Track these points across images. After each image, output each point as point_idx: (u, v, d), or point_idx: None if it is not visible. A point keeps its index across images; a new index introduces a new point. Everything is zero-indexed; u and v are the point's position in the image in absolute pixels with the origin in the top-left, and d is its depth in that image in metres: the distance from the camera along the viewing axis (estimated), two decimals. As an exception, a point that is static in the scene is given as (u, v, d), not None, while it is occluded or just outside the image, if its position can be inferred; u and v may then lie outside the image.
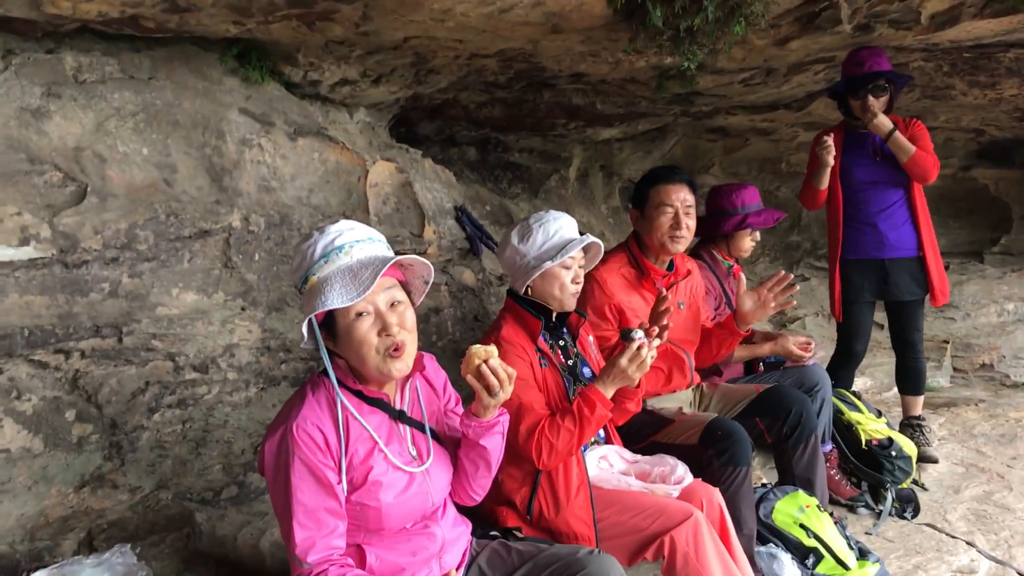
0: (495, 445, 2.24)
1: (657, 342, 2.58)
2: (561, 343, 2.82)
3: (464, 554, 2.27)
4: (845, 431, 3.89)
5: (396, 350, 2.00)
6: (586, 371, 2.83)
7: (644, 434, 3.18)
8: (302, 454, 1.96)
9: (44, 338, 2.70)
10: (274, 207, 3.40)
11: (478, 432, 2.19)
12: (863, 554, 3.08)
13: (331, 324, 2.01)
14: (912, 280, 4.22)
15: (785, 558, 2.97)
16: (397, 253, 2.05)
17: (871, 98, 4.05)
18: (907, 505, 3.77)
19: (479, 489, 2.34)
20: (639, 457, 2.87)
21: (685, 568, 2.43)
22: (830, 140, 4.12)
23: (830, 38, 4.17)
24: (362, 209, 3.74)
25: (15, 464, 2.61)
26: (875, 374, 5.63)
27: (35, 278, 2.71)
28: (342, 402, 2.04)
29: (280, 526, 2.04)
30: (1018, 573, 3.28)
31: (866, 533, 3.58)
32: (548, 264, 2.67)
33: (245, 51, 3.48)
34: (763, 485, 3.32)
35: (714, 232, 4.08)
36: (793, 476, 3.34)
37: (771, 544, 3.02)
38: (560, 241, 2.71)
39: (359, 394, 2.09)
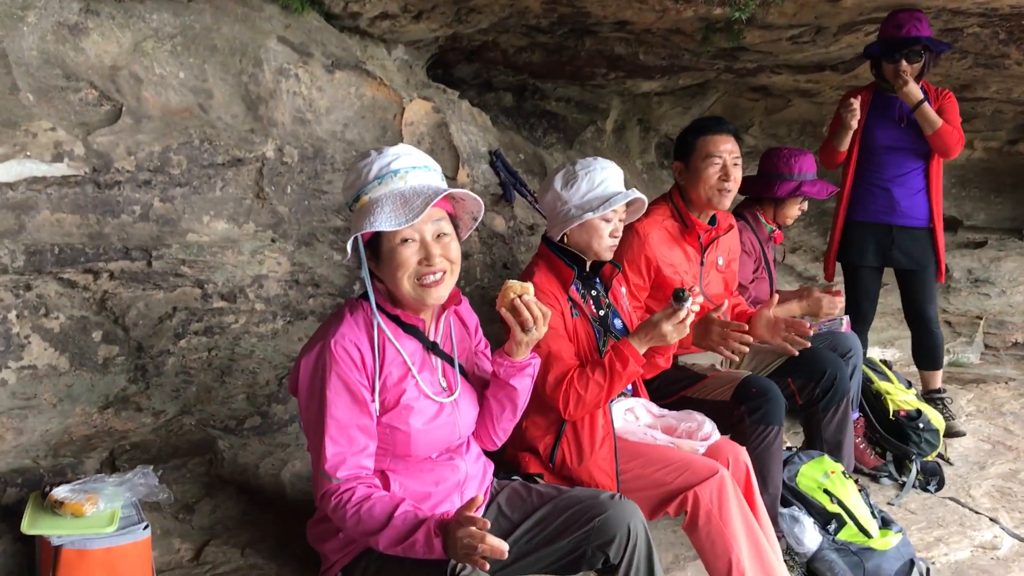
0: (524, 387, 2.22)
1: (700, 300, 2.54)
2: (593, 293, 2.77)
3: (486, 492, 2.26)
4: (873, 400, 3.83)
5: (435, 278, 2.00)
6: (617, 323, 2.79)
7: (674, 389, 3.14)
8: (339, 369, 1.97)
9: (74, 257, 2.67)
10: (308, 139, 3.35)
11: (509, 372, 2.18)
12: (886, 523, 3.04)
13: (376, 245, 2.01)
14: (919, 250, 4.16)
15: (807, 522, 2.94)
16: None
17: (904, 63, 3.92)
18: (932, 478, 3.72)
19: (501, 432, 2.34)
20: (666, 412, 2.84)
21: (707, 525, 2.41)
22: (856, 103, 4.02)
23: (886, -3, 4.04)
24: (396, 147, 3.69)
25: (41, 381, 2.61)
26: (904, 347, 5.54)
27: (67, 196, 2.68)
28: (379, 324, 2.04)
29: (309, 442, 2.05)
30: (1042, 552, 3.24)
31: (888, 504, 3.54)
32: (589, 215, 2.61)
33: (286, -22, 3.41)
34: (788, 448, 3.27)
35: (764, 194, 3.98)
36: (821, 440, 3.30)
37: (794, 507, 2.99)
38: (604, 192, 2.64)
39: (395, 319, 2.09)
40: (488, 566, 1.78)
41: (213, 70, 3.13)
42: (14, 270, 2.55)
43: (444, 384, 2.17)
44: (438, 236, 2.01)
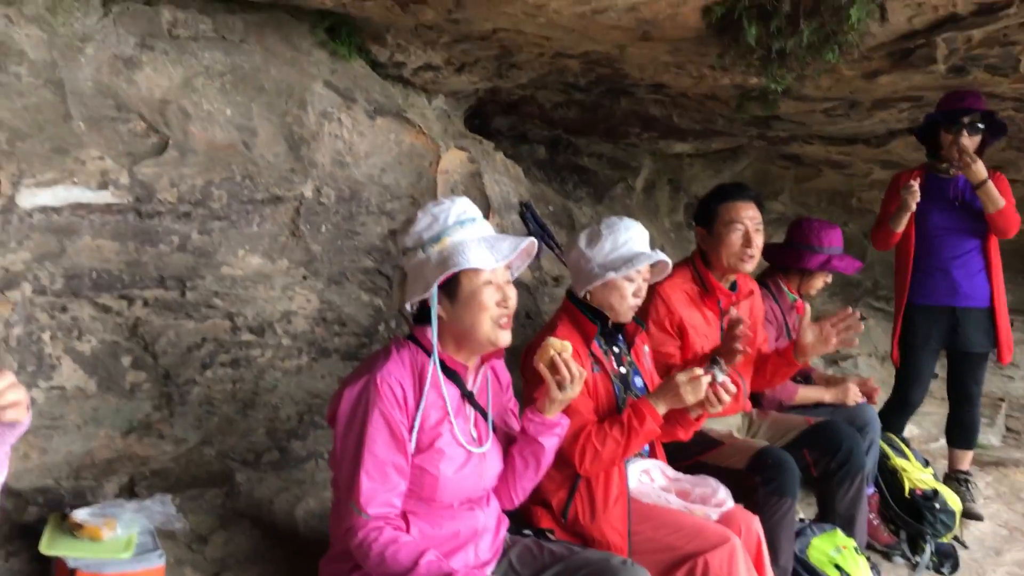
0: (551, 446, 2.26)
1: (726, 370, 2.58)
2: (615, 350, 2.80)
3: (498, 549, 2.27)
4: (889, 476, 3.81)
5: (507, 321, 2.09)
6: (638, 381, 2.81)
7: (690, 453, 3.13)
8: (383, 405, 2.01)
9: (111, 282, 2.74)
10: (346, 182, 3.42)
11: (539, 429, 2.21)
12: (896, 603, 3.02)
13: (452, 288, 2.07)
14: (982, 332, 4.12)
15: (817, 596, 2.91)
16: None
17: (965, 134, 3.93)
18: (946, 560, 3.68)
19: (521, 491, 2.36)
20: (681, 475, 2.84)
21: (717, 593, 2.40)
22: (916, 184, 3.98)
23: (922, 77, 4.07)
24: (430, 194, 3.75)
25: (68, 402, 2.66)
26: (923, 423, 5.50)
27: (108, 223, 2.76)
28: (434, 363, 2.09)
29: (339, 473, 2.08)
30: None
31: (900, 583, 3.51)
32: (612, 275, 2.65)
33: (336, 26, 3.50)
34: (801, 520, 3.26)
35: (793, 264, 3.99)
36: (835, 514, 3.28)
37: (803, 580, 2.97)
38: (628, 253, 2.68)
39: (441, 362, 2.13)
40: None
41: (259, 109, 3.22)
42: (52, 292, 2.62)
43: (475, 435, 2.20)
44: (507, 281, 2.12)
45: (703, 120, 5.04)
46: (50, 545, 2.21)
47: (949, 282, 4.14)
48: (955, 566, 3.68)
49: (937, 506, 3.71)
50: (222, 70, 3.15)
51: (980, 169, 3.94)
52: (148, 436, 2.80)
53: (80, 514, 2.27)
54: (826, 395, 3.78)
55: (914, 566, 3.65)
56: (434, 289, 2.03)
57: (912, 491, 3.74)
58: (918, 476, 3.79)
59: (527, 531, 2.44)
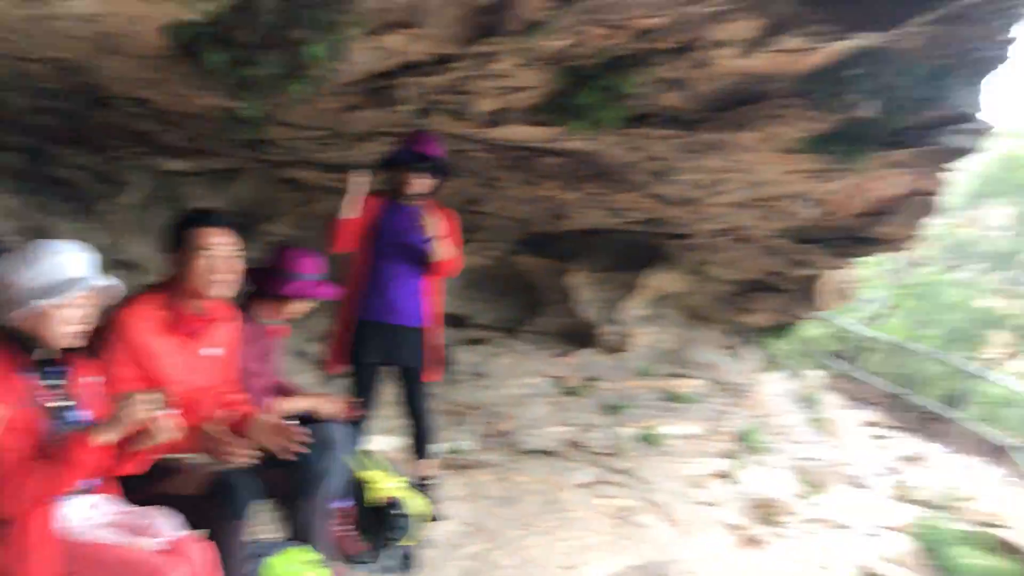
0: None
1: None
2: (50, 381, 2.61)
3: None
4: (356, 488, 4.03)
5: None
6: (75, 414, 2.65)
7: (146, 484, 3.03)
8: None
9: None
10: None
11: None
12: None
13: None
14: (415, 349, 4.54)
15: (271, 617, 2.98)
16: None
17: (413, 175, 4.29)
18: (407, 561, 4.00)
19: None
20: (128, 508, 2.74)
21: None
22: (366, 178, 4.23)
23: (395, 115, 4.44)
24: None
25: None
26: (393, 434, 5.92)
27: None
28: None
29: None
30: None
31: (365, 590, 3.73)
32: (39, 303, 2.48)
33: None
34: (259, 541, 3.29)
35: (267, 290, 4.03)
36: (300, 530, 3.38)
37: (261, 602, 3.01)
38: (59, 280, 2.53)
39: None
40: None
41: None
42: None
43: None
44: None
45: (194, 138, 4.97)
46: None
47: (388, 302, 4.49)
48: (412, 565, 4.01)
49: (401, 512, 4.00)
50: None
51: (438, 225, 4.30)
52: None
53: None
54: (300, 404, 3.86)
55: (382, 570, 3.90)
56: None
57: (378, 500, 3.99)
58: (383, 485, 4.05)
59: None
